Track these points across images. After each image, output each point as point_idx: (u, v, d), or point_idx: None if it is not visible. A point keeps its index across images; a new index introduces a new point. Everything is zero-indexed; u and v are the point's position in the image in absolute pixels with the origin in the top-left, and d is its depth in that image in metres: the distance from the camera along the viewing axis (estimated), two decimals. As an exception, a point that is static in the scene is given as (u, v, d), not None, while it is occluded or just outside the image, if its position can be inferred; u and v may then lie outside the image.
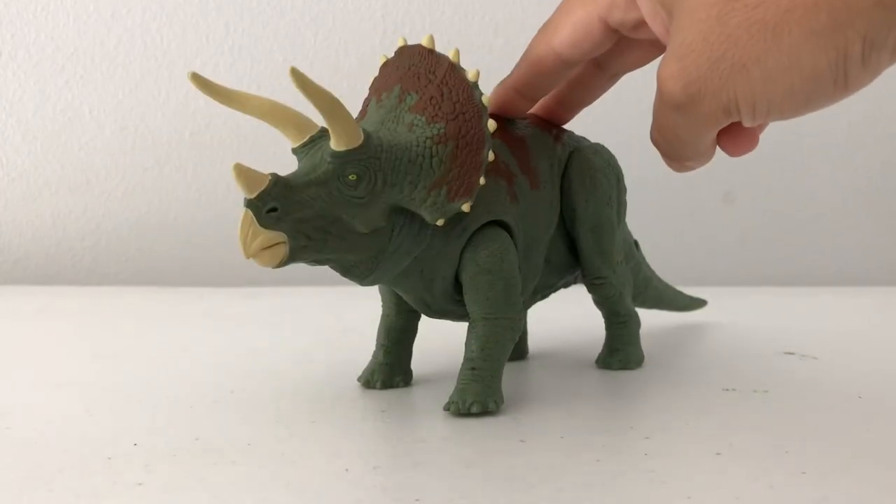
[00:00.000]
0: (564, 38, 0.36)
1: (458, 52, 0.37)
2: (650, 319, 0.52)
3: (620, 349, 0.46)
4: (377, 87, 0.39)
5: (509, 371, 0.45)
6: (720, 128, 0.30)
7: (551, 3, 0.37)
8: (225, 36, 0.92)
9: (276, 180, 0.33)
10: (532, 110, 0.43)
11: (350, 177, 0.34)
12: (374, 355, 0.42)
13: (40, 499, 0.27)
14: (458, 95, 0.36)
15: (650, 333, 0.53)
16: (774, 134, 0.88)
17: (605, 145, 0.46)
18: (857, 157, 0.91)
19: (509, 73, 0.40)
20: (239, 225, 0.33)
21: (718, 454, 0.31)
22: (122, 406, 0.39)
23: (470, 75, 0.36)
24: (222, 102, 0.34)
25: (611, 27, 0.35)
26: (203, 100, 0.93)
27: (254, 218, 0.32)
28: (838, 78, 0.26)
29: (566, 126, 0.44)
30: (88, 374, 0.46)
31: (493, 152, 0.38)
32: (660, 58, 0.33)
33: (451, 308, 0.40)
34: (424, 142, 0.36)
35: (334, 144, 0.34)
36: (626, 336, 0.46)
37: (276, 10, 0.92)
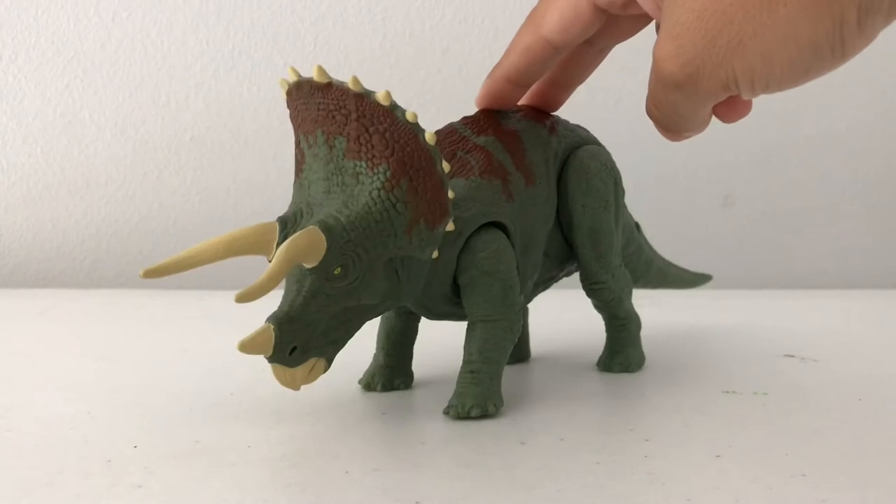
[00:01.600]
0: (553, 24, 0.36)
1: (356, 80, 0.33)
2: (651, 322, 0.52)
3: (621, 351, 0.46)
4: (300, 126, 0.36)
5: (510, 373, 0.45)
6: (718, 101, 0.30)
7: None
8: (225, 40, 0.93)
9: (279, 324, 0.32)
10: (525, 96, 0.43)
11: (336, 272, 0.33)
12: (375, 358, 0.42)
13: (40, 500, 0.27)
14: (381, 125, 0.34)
15: (651, 336, 0.53)
16: (774, 137, 0.88)
17: (606, 148, 0.45)
18: (856, 159, 0.92)
19: (497, 63, 0.39)
20: (275, 377, 0.34)
21: (718, 456, 0.31)
22: (122, 408, 0.39)
23: (381, 98, 0.33)
24: (184, 269, 0.33)
25: (599, 8, 0.35)
26: (203, 103, 0.93)
27: (284, 367, 0.33)
28: (835, 46, 0.26)
29: (562, 117, 0.44)
30: (88, 377, 0.46)
31: (487, 151, 0.38)
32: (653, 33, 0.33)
33: (451, 310, 0.40)
34: (378, 194, 0.34)
35: (308, 264, 0.33)
36: (626, 338, 0.46)
37: (277, 15, 0.92)
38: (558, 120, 0.44)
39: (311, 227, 0.33)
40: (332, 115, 0.34)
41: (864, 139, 0.91)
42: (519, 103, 0.43)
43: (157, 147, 0.93)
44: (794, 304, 0.75)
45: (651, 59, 0.30)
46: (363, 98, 0.33)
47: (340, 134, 0.34)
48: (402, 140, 0.34)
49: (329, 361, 0.35)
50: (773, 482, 0.28)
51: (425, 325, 0.43)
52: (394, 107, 0.34)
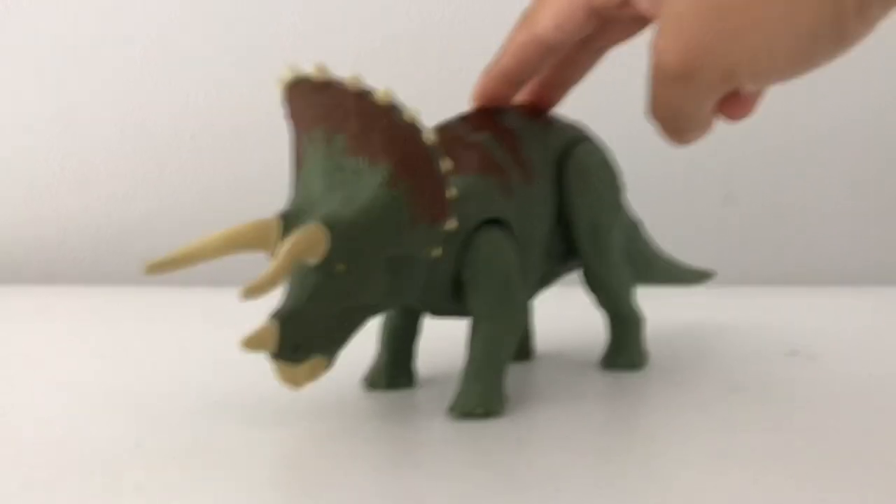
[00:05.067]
0: (547, 23, 0.36)
1: (357, 78, 0.33)
2: (653, 320, 0.51)
3: (623, 350, 0.45)
4: (298, 122, 0.36)
5: (513, 372, 0.45)
6: (720, 95, 0.30)
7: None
8: (226, 38, 0.92)
9: (282, 323, 0.32)
10: (520, 95, 0.42)
11: (338, 270, 0.33)
12: (378, 356, 0.42)
13: (39, 500, 0.27)
14: (381, 122, 0.33)
15: (653, 334, 0.53)
16: (775, 134, 0.88)
17: (604, 144, 0.45)
18: (859, 156, 0.91)
19: (491, 61, 0.39)
20: (277, 375, 0.33)
21: (721, 456, 0.31)
22: (122, 407, 0.39)
23: (381, 98, 0.33)
24: (186, 266, 0.33)
25: (594, 9, 0.35)
26: (204, 101, 0.93)
27: (286, 365, 0.33)
28: (835, 33, 0.26)
29: (562, 120, 0.44)
30: (88, 375, 0.46)
31: (485, 148, 0.38)
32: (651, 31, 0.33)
33: (454, 308, 0.39)
34: (379, 192, 0.33)
35: (310, 260, 0.33)
36: (629, 337, 0.46)
37: (277, 14, 0.92)
38: (555, 117, 0.44)
39: (313, 223, 0.32)
40: (332, 112, 0.34)
41: (866, 136, 0.91)
42: (514, 101, 0.43)
43: (158, 145, 0.93)
44: (796, 300, 0.75)
45: (651, 54, 0.30)
46: (363, 96, 0.33)
47: (340, 131, 0.34)
48: (402, 138, 0.34)
49: (331, 359, 0.35)
50: (777, 482, 0.28)
51: (428, 323, 0.43)
52: (393, 105, 0.33)
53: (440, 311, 0.40)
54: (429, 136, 0.34)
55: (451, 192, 0.35)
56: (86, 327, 0.64)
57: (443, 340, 0.48)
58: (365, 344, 0.41)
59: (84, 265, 0.94)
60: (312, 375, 0.34)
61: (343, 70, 0.36)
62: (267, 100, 0.93)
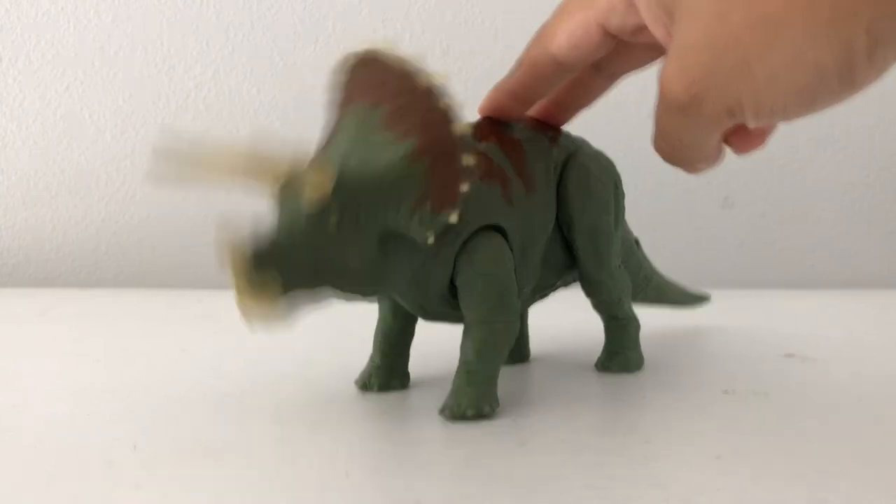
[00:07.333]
0: (562, 43, 0.36)
1: (416, 58, 0.35)
2: (650, 322, 0.52)
3: (620, 352, 0.46)
4: (338, 99, 0.37)
5: (508, 374, 0.45)
6: (724, 128, 0.29)
7: (552, 9, 0.37)
8: (225, 41, 0.93)
9: (261, 241, 0.32)
10: (529, 112, 0.43)
11: (332, 219, 0.33)
12: (371, 359, 0.42)
13: (39, 500, 0.27)
14: (421, 104, 0.34)
15: (650, 336, 0.53)
16: (773, 138, 0.88)
17: (604, 150, 0.46)
18: (856, 160, 0.92)
19: (505, 76, 0.39)
20: (234, 292, 0.32)
21: (718, 457, 0.31)
22: (121, 409, 0.39)
23: (434, 79, 0.35)
24: (193, 181, 0.33)
25: (609, 32, 0.35)
26: (203, 104, 0.93)
27: (245, 282, 0.32)
28: (843, 74, 0.25)
29: (564, 127, 0.44)
30: (88, 377, 0.46)
31: (488, 156, 0.38)
32: (662, 60, 0.33)
33: (447, 312, 0.40)
34: (398, 163, 0.34)
35: (308, 196, 0.33)
36: (625, 339, 0.46)
37: (277, 16, 0.92)
38: (561, 131, 0.44)
39: (325, 166, 0.33)
40: (382, 86, 0.35)
41: (864, 140, 0.91)
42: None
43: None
44: (793, 304, 0.75)
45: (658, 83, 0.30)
46: (418, 76, 0.34)
47: (382, 105, 0.35)
48: (435, 122, 0.34)
49: (286, 307, 0.33)
50: (773, 483, 0.28)
51: (422, 326, 0.43)
52: (440, 92, 0.34)
53: (434, 315, 0.40)
54: (459, 127, 0.35)
55: (465, 187, 0.35)
56: (85, 330, 0.64)
57: (436, 344, 0.48)
58: (359, 347, 0.41)
59: (83, 268, 0.94)
60: (263, 311, 0.32)
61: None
62: (266, 103, 0.94)
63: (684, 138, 0.30)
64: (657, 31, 0.32)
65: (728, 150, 0.34)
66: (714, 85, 0.27)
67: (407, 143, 0.34)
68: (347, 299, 0.36)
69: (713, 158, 0.32)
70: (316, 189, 0.32)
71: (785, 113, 0.27)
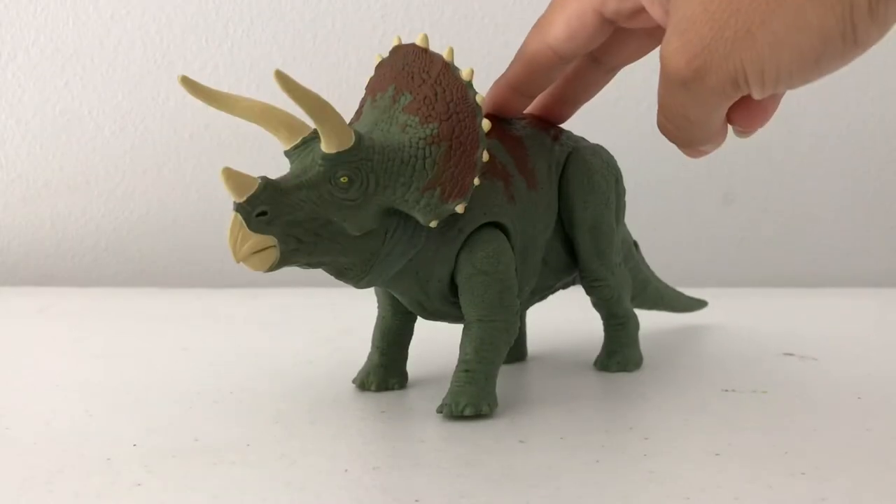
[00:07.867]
0: (559, 33, 0.36)
1: (452, 51, 0.36)
2: (649, 321, 0.52)
3: (619, 351, 0.46)
4: (372, 87, 0.39)
5: (508, 372, 0.45)
6: (729, 102, 0.29)
7: (549, 3, 0.37)
8: (224, 37, 0.92)
9: (266, 183, 0.33)
10: (530, 108, 0.42)
11: (342, 179, 0.34)
12: (370, 357, 0.42)
13: (39, 499, 0.27)
14: (452, 95, 0.36)
15: (649, 335, 0.53)
16: (773, 134, 0.88)
17: (605, 146, 0.45)
18: (856, 158, 0.91)
19: (504, 71, 0.39)
20: (228, 229, 0.32)
21: (717, 455, 0.31)
22: (122, 406, 0.39)
23: (464, 74, 0.36)
24: (212, 105, 0.35)
25: (606, 18, 0.35)
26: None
27: (243, 222, 0.32)
28: (846, 33, 0.25)
29: (565, 125, 0.44)
30: (88, 375, 0.46)
31: (490, 153, 0.38)
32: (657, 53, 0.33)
33: (447, 310, 0.40)
34: (417, 142, 0.35)
35: (324, 147, 0.34)
36: (624, 338, 0.46)
37: (276, 12, 0.92)
38: (563, 129, 0.44)
39: (346, 126, 0.34)
40: (413, 75, 0.37)
41: (865, 137, 0.91)
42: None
43: (157, 144, 0.93)
44: (793, 302, 0.75)
45: (658, 59, 0.30)
46: (448, 68, 0.36)
47: (410, 91, 0.36)
48: (462, 113, 0.36)
49: (282, 257, 0.33)
50: (772, 481, 0.28)
51: (421, 325, 0.43)
52: (470, 86, 0.36)
53: (434, 313, 0.40)
54: (486, 125, 0.36)
55: (476, 180, 0.36)
56: (84, 327, 0.64)
57: (435, 342, 0.48)
58: (358, 346, 0.41)
59: (82, 265, 0.94)
60: (255, 259, 0.33)
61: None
62: (266, 97, 0.93)
63: (689, 114, 0.30)
64: (654, 11, 0.32)
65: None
66: (717, 56, 0.27)
67: (429, 126, 0.36)
68: (338, 276, 0.36)
69: (718, 138, 0.32)
70: (334, 138, 0.33)
71: (790, 79, 0.27)
